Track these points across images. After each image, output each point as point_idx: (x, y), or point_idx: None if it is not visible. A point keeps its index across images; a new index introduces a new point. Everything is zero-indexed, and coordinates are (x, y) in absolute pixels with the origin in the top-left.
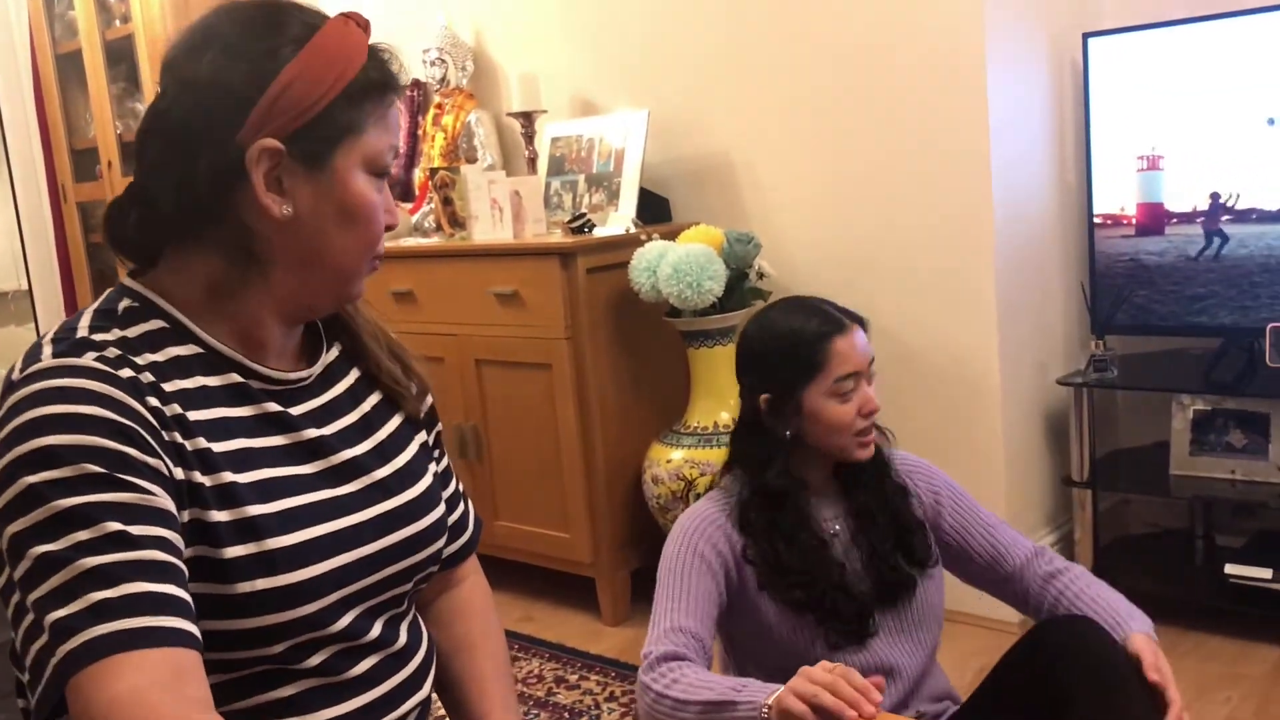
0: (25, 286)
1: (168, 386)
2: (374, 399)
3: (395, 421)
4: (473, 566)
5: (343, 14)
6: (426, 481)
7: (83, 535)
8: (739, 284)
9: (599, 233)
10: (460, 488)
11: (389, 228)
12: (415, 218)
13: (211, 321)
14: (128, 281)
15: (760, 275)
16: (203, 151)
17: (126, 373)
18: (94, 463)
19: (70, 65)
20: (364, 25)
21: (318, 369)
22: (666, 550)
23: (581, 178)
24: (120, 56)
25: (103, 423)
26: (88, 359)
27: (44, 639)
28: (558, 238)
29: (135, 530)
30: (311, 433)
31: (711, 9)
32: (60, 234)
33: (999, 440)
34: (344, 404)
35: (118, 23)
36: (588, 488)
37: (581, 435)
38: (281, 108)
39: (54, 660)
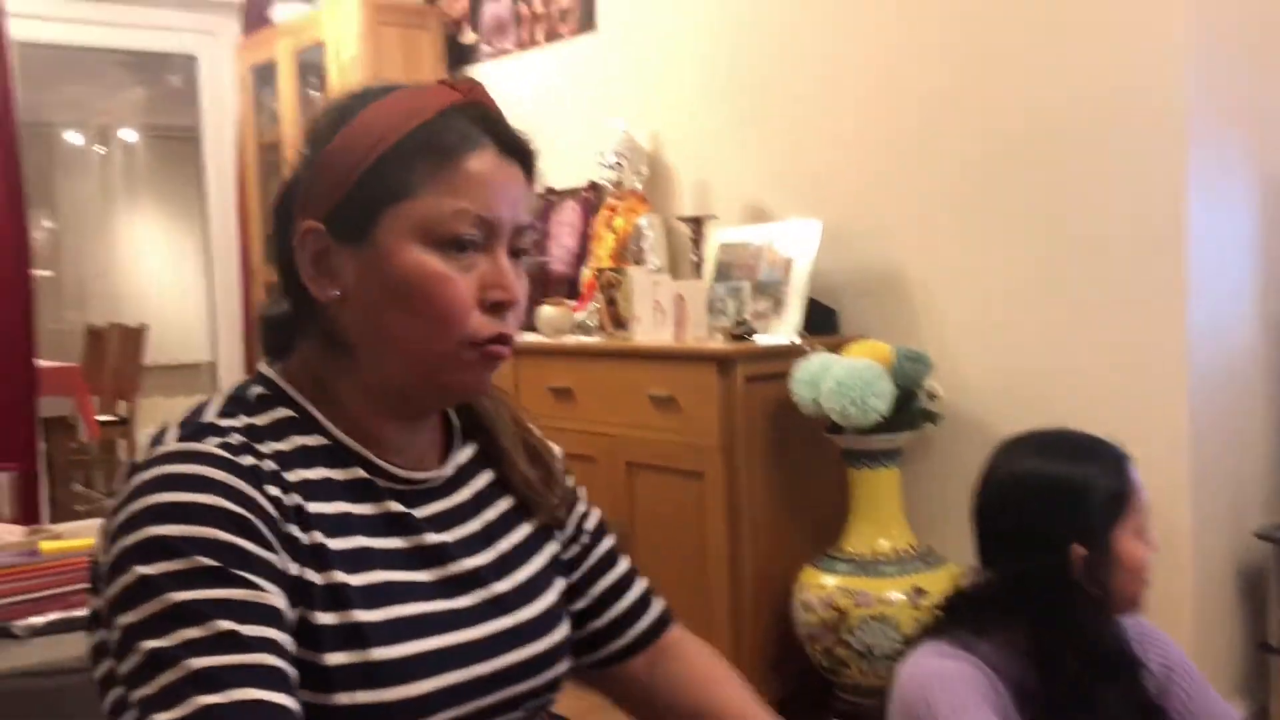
0: (214, 359)
1: (290, 476)
2: (504, 505)
3: (524, 531)
4: (679, 636)
5: (441, 80)
6: (550, 599)
7: (193, 633)
8: (907, 404)
9: (761, 341)
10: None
11: (500, 305)
12: (580, 316)
13: (331, 412)
14: (262, 367)
15: (931, 396)
16: (279, 234)
17: (248, 460)
18: (208, 556)
19: (270, 155)
20: (463, 88)
21: (448, 470)
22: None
23: (747, 284)
24: None
25: (219, 513)
26: (209, 444)
27: None
28: (718, 343)
29: (246, 631)
30: (432, 538)
31: (891, 123)
32: (247, 312)
33: (1187, 596)
34: (470, 509)
35: None
36: (733, 604)
37: (730, 549)
38: (320, 184)
39: None
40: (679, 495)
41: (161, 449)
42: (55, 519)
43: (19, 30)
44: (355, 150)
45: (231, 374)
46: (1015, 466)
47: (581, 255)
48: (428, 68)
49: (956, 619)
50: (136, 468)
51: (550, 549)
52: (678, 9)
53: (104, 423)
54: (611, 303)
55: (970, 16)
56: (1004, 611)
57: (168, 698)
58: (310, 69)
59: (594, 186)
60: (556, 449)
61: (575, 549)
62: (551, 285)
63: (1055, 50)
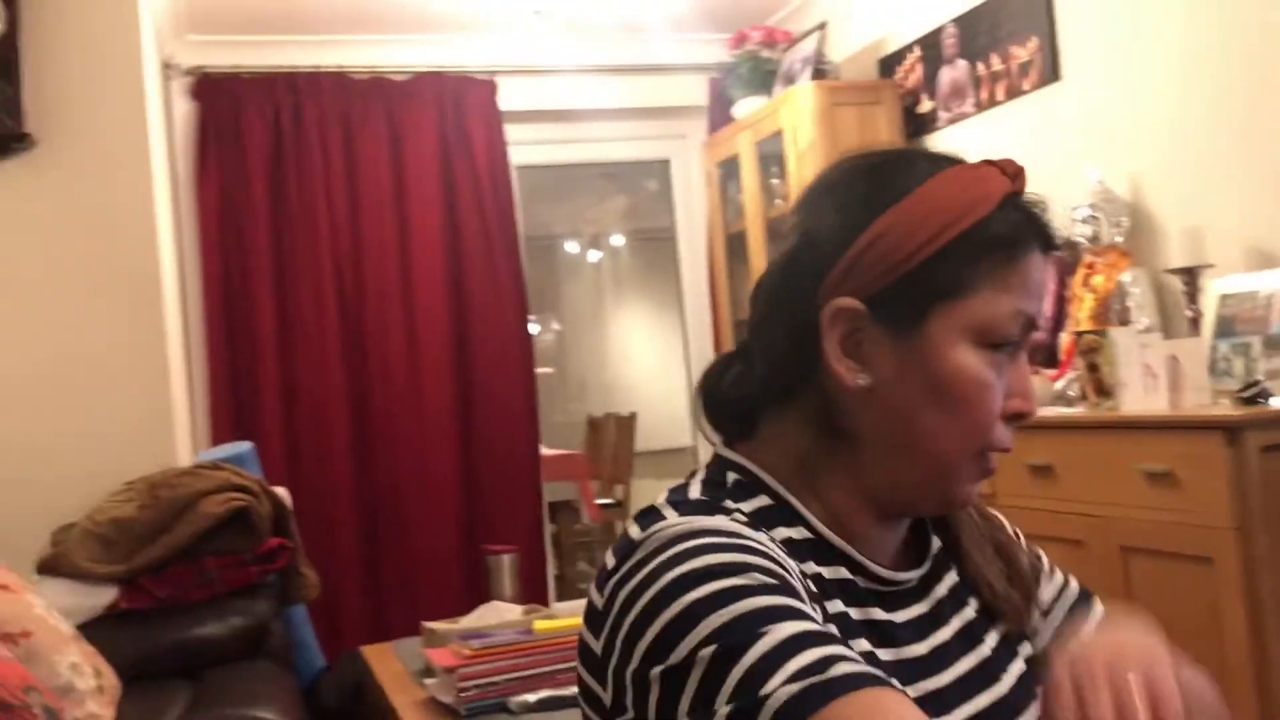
0: (695, 443)
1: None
2: (974, 606)
3: (993, 638)
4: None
5: (986, 160)
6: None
7: (795, 665)
8: None
9: (1276, 404)
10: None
11: (1018, 415)
12: (1059, 385)
13: (810, 504)
14: (725, 452)
15: None
16: (787, 307)
17: (763, 536)
18: (763, 595)
19: (737, 244)
20: (1011, 172)
21: (923, 569)
22: None
23: (1257, 340)
24: (779, 235)
25: (761, 569)
26: (720, 518)
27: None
28: (1224, 409)
29: (836, 649)
30: (916, 649)
31: None
32: None
33: None
34: (946, 611)
35: (778, 202)
36: (1261, 711)
37: (1253, 649)
38: (867, 262)
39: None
40: (1185, 584)
41: (665, 523)
42: (561, 597)
43: (518, 156)
44: (919, 233)
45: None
46: None
47: (1058, 319)
48: (885, 142)
49: None
50: (634, 544)
51: (1017, 667)
52: (1148, 45)
53: (603, 505)
54: (1094, 369)
55: None
56: None
57: (764, 668)
58: (770, 159)
59: (1068, 245)
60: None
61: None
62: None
63: None
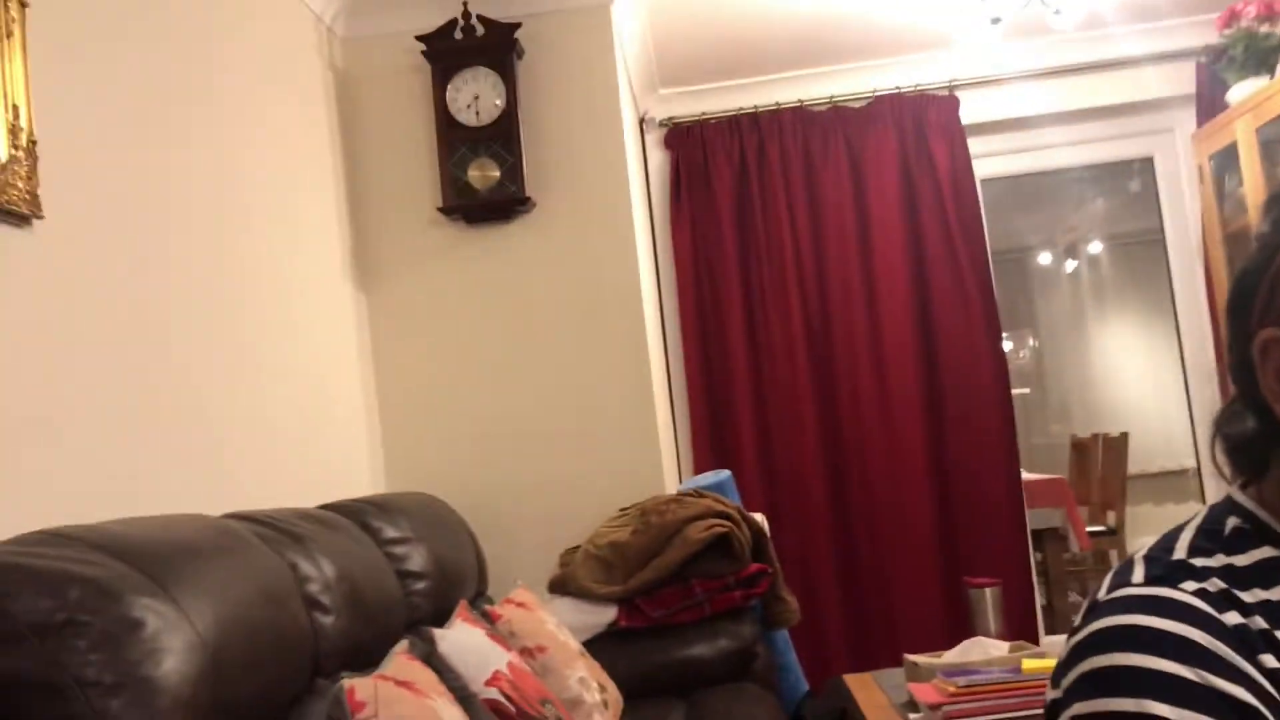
0: (1198, 465)
1: None
2: None
3: None
4: None
5: None
6: None
7: None
8: None
9: None
10: None
11: None
12: None
13: None
14: (1237, 495)
15: None
16: (1235, 334)
17: (1232, 618)
18: None
19: (1236, 243)
20: None
21: None
22: None
23: None
24: None
25: (1196, 691)
26: (1184, 592)
27: None
28: None
29: None
30: None
31: None
32: None
33: None
34: None
35: None
36: None
37: None
38: None
39: None
40: None
41: (1125, 591)
42: (1049, 629)
43: (981, 169)
44: None
45: (1219, 484)
46: None
47: None
48: None
49: None
50: (1094, 609)
51: None
52: None
53: (1093, 533)
54: None
55: None
56: None
57: None
58: (1274, 146)
59: None
60: None
61: None
62: None
63: None
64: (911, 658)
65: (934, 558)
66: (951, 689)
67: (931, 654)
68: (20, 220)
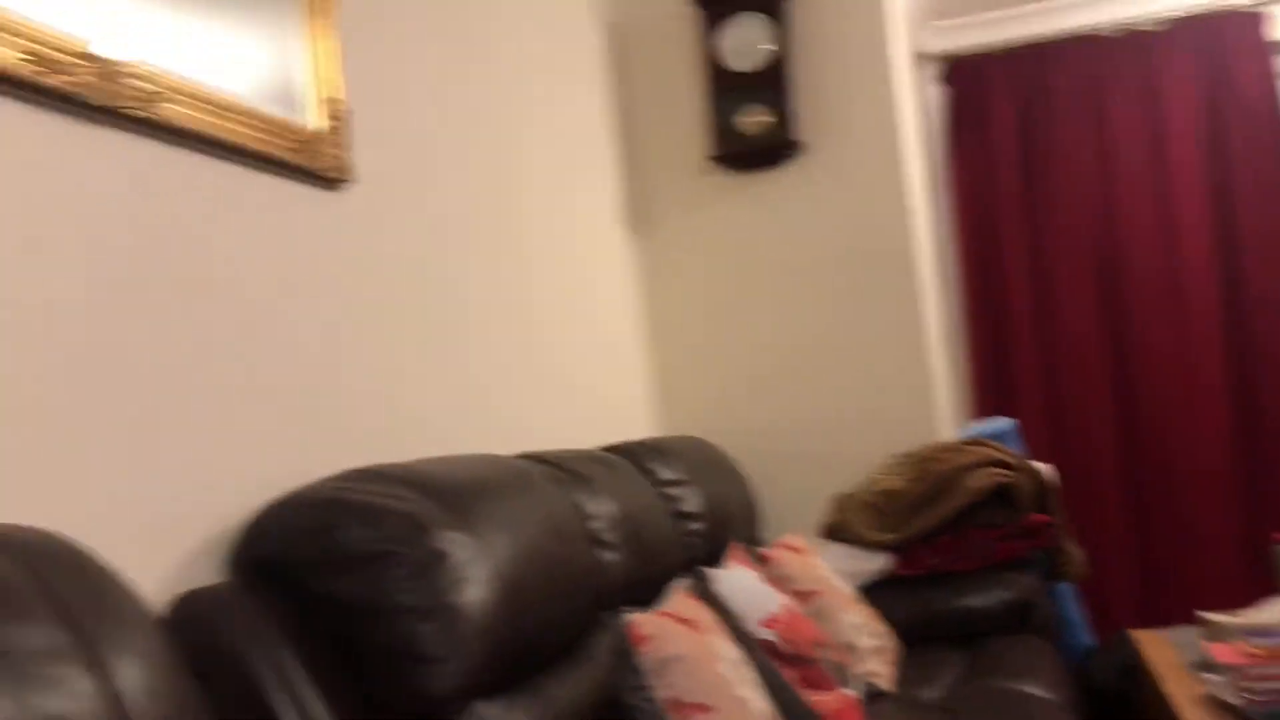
0: None
1: None
2: None
3: None
4: None
5: None
6: None
7: None
8: None
9: None
10: None
11: None
12: None
13: None
14: None
15: None
16: None
17: None
18: None
19: None
20: None
21: None
22: None
23: None
24: None
25: None
26: None
27: None
28: None
29: None
30: None
31: None
32: None
33: None
34: None
35: None
36: None
37: None
38: None
39: None
40: None
41: None
42: None
43: None
44: None
45: None
46: None
47: None
48: None
49: None
50: None
51: None
52: None
53: None
54: None
55: None
56: None
57: None
58: None
59: None
60: None
61: None
62: None
63: None
64: (1208, 616)
65: (1237, 512)
66: (1256, 651)
67: (1230, 612)
68: (332, 184)
